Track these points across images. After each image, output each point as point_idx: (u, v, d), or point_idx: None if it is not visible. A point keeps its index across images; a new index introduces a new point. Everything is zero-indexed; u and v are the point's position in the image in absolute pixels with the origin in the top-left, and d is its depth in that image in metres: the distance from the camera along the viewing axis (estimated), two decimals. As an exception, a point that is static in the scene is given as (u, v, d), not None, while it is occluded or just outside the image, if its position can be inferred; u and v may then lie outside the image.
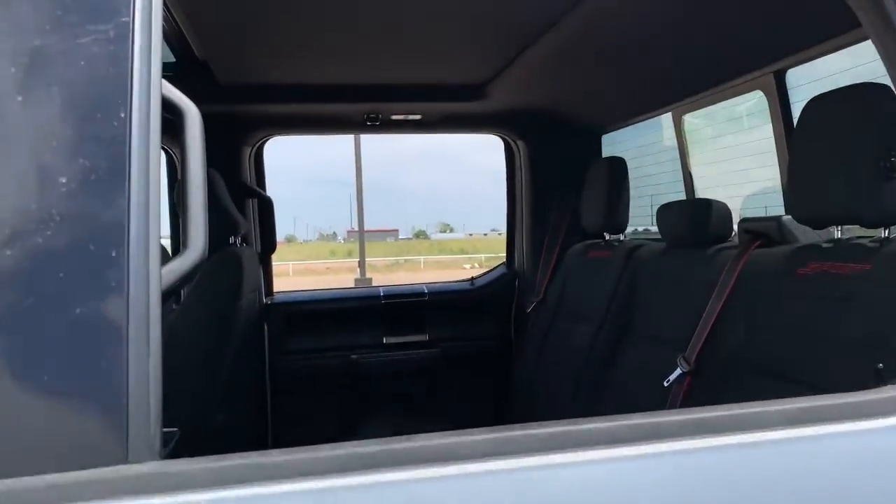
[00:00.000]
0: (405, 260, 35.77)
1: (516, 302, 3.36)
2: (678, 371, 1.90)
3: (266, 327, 3.16)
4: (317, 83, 2.68)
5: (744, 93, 2.16)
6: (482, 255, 35.12)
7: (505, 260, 3.46)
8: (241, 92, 2.69)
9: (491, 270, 3.47)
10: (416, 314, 3.30)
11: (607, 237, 2.84)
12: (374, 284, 16.00)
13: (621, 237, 2.77)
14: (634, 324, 2.36)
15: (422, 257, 35.48)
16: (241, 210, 2.97)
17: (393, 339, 3.28)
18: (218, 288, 2.33)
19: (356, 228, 26.04)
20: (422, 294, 3.31)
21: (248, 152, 3.05)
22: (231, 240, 2.52)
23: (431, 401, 3.24)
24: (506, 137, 3.30)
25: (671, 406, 1.88)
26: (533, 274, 3.28)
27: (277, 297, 3.24)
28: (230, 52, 2.30)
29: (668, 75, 2.37)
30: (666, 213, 2.26)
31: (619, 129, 3.13)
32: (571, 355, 2.68)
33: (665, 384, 1.91)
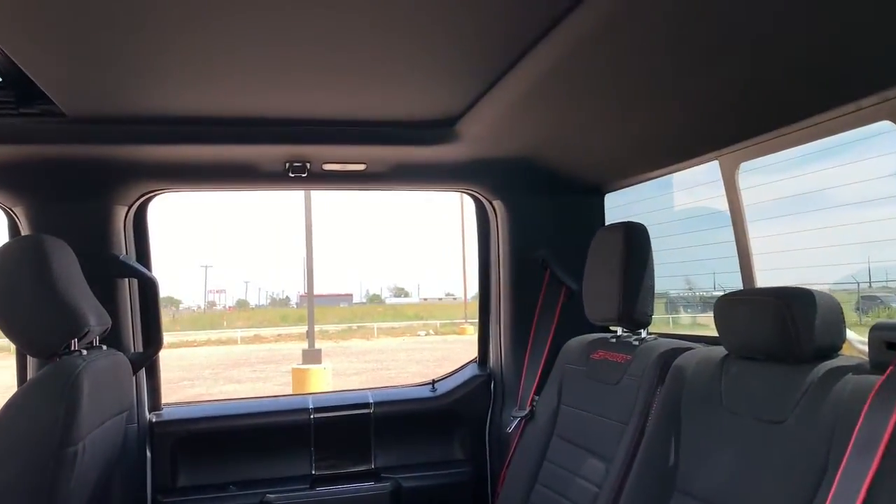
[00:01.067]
0: (358, 326, 34.64)
1: (492, 414, 2.53)
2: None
3: (149, 455, 2.26)
4: (213, 116, 1.87)
5: (857, 125, 1.43)
6: (437, 322, 34.19)
7: (476, 356, 2.63)
8: (100, 129, 1.86)
9: (457, 371, 2.64)
10: (358, 433, 2.44)
11: (620, 332, 2.06)
12: (323, 356, 14.95)
13: (643, 334, 1.99)
14: (678, 474, 1.55)
15: (375, 324, 34.39)
16: (110, 295, 2.12)
17: (326, 472, 2.41)
18: (30, 431, 1.47)
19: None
20: (365, 405, 2.46)
21: (122, 214, 2.20)
22: (71, 345, 1.67)
23: None
24: (478, 195, 2.51)
25: None
26: (515, 377, 2.47)
27: (166, 413, 2.36)
28: (76, 71, 1.49)
29: (718, 106, 1.63)
30: (734, 307, 1.49)
31: (630, 185, 2.38)
32: (577, 498, 1.87)
33: None
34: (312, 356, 14.01)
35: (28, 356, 2.09)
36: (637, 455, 1.69)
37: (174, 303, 48.79)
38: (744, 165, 1.87)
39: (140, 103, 1.75)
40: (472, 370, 2.59)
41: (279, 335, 30.76)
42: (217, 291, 57.00)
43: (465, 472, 2.46)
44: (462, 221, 40.37)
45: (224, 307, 53.25)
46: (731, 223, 1.92)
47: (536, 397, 2.29)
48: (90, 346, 1.81)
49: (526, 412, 2.28)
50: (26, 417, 1.49)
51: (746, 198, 1.91)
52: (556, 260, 2.40)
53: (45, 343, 1.63)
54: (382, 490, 2.37)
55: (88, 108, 1.76)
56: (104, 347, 1.89)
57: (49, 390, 1.51)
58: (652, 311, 1.96)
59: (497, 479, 2.39)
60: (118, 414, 1.88)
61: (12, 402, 1.51)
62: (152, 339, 2.23)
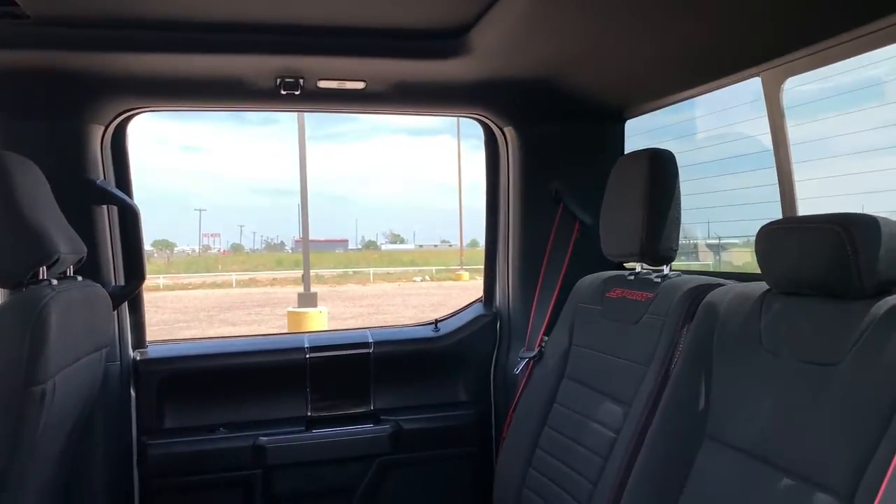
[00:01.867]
0: (354, 272, 34.56)
1: (497, 355, 2.39)
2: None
3: (133, 395, 2.13)
4: (196, 21, 1.67)
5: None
6: (433, 268, 34.13)
7: (482, 295, 2.48)
8: (68, 34, 1.66)
9: (461, 310, 2.50)
10: (357, 374, 2.30)
11: (639, 269, 1.91)
12: (318, 300, 14.84)
13: (666, 271, 1.83)
14: (709, 419, 1.42)
15: (371, 269, 34.30)
16: (87, 224, 1.95)
17: (322, 413, 2.28)
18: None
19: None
20: (365, 344, 2.31)
21: (98, 134, 2.01)
22: (38, 275, 1.50)
23: (378, 502, 2.25)
24: (488, 120, 2.32)
25: None
26: (523, 316, 2.32)
27: (151, 351, 2.21)
28: None
29: (762, 13, 1.43)
30: (781, 236, 1.32)
31: (654, 109, 2.18)
32: (593, 445, 1.74)
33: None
34: (308, 300, 13.92)
35: None
36: (661, 399, 1.55)
37: (169, 245, 48.60)
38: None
39: (113, 4, 1.55)
40: (477, 310, 2.44)
41: (274, 279, 30.72)
42: (212, 235, 56.81)
43: (469, 415, 2.33)
44: (458, 165, 39.99)
45: (219, 251, 53.13)
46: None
47: (545, 338, 2.14)
48: (63, 277, 1.65)
49: (534, 353, 2.14)
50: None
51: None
52: (570, 193, 2.23)
53: (8, 271, 1.47)
54: (382, 432, 2.24)
55: (55, 8, 1.56)
56: (79, 279, 1.72)
57: (11, 323, 1.35)
58: (677, 245, 1.80)
59: (502, 421, 2.27)
60: (95, 351, 1.73)
61: None
62: (134, 271, 2.07)
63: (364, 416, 2.29)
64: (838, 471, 1.09)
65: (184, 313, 15.92)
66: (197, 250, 51.41)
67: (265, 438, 2.17)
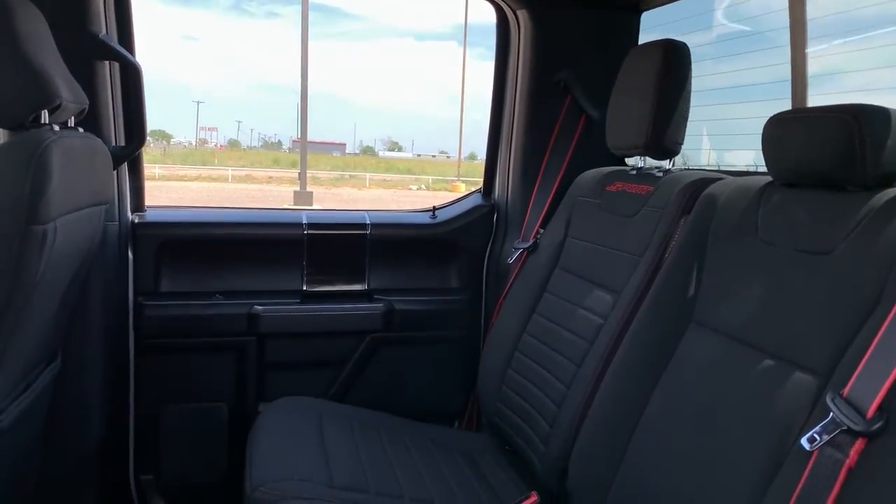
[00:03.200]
0: (350, 175, 34.39)
1: (493, 246, 2.41)
2: (832, 422, 1.00)
3: (131, 256, 2.15)
4: None
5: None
6: (429, 177, 33.96)
7: (481, 186, 2.48)
8: None
9: (460, 199, 2.50)
10: (353, 253, 2.33)
11: (641, 164, 1.91)
12: (314, 199, 14.82)
13: (667, 165, 1.84)
14: (697, 305, 1.45)
15: (367, 174, 34.11)
16: (88, 79, 1.92)
17: (317, 287, 2.32)
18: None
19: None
20: (362, 225, 2.33)
21: None
22: (39, 119, 1.49)
23: (366, 378, 2.31)
24: (501, 2, 2.27)
25: (818, 483, 0.99)
26: (521, 209, 2.33)
27: (150, 215, 2.22)
28: None
29: None
30: (789, 125, 1.32)
31: (671, 1, 2.13)
32: (579, 330, 1.79)
33: (807, 444, 1.01)
34: (303, 198, 13.92)
35: None
36: (651, 287, 1.58)
37: (165, 137, 48.04)
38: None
39: None
40: (476, 200, 2.45)
41: (270, 177, 30.57)
42: (209, 129, 56.04)
43: (460, 301, 2.38)
44: (463, 74, 39.21)
45: (215, 145, 52.57)
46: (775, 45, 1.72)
47: (541, 230, 2.17)
48: (64, 126, 1.63)
49: (529, 244, 2.17)
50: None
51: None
52: (579, 84, 2.20)
53: (9, 111, 1.45)
54: (375, 311, 2.29)
55: None
56: (80, 130, 1.71)
57: (14, 160, 1.35)
58: (682, 140, 1.79)
59: (492, 308, 2.32)
60: (95, 205, 1.73)
61: None
62: (135, 132, 2.05)
63: (358, 294, 2.33)
64: (819, 353, 1.13)
65: (180, 203, 15.90)
66: (194, 143, 50.86)
67: (260, 307, 2.21)
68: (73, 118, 1.67)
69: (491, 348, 2.13)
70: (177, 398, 2.19)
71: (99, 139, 1.77)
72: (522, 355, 1.98)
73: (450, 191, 27.75)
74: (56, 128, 1.53)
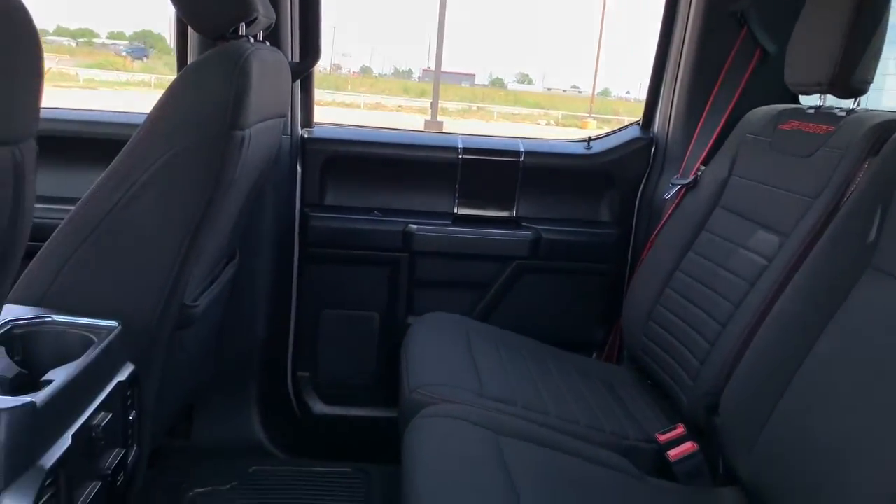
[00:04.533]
0: (478, 107, 34.22)
1: (648, 180, 2.38)
2: None
3: (300, 170, 2.28)
4: None
5: None
6: (559, 112, 33.26)
7: (641, 118, 2.43)
8: None
9: (618, 130, 2.47)
10: (505, 180, 2.37)
11: (822, 102, 1.81)
12: (444, 129, 14.90)
13: (853, 105, 1.74)
14: (877, 252, 1.39)
15: (495, 107, 33.81)
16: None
17: (467, 211, 2.38)
18: (203, 106, 1.44)
19: (432, 68, 24.64)
20: (515, 153, 2.35)
21: None
22: (238, 31, 1.59)
23: (510, 303, 2.38)
24: None
25: None
26: (682, 144, 2.28)
27: (317, 131, 2.34)
28: None
29: None
30: None
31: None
32: (739, 271, 1.76)
33: None
34: (434, 127, 14.03)
35: (188, 45, 2.06)
36: (826, 230, 1.52)
37: (302, 61, 49.15)
38: None
39: None
40: (634, 132, 2.41)
41: (400, 106, 30.91)
42: (342, 55, 56.98)
43: (610, 234, 2.38)
44: (603, 3, 37.65)
45: (349, 72, 53.53)
46: None
47: (703, 167, 2.11)
48: (256, 40, 1.74)
49: (688, 180, 2.12)
50: (198, 93, 1.46)
51: None
52: (758, 15, 2.10)
53: (213, 21, 1.56)
54: (522, 238, 2.33)
55: None
56: (267, 44, 1.81)
57: (219, 69, 1.45)
58: (872, 79, 1.69)
59: (642, 245, 2.30)
60: (277, 117, 1.85)
61: (182, 78, 1.47)
62: (311, 49, 2.15)
63: (507, 220, 2.38)
64: None
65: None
66: (328, 68, 51.99)
67: (414, 226, 2.30)
68: (261, 32, 1.77)
69: (640, 283, 2.13)
70: (334, 304, 2.34)
71: (282, 53, 1.88)
72: (673, 292, 1.97)
73: (580, 127, 27.11)
74: (251, 40, 1.63)
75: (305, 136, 2.29)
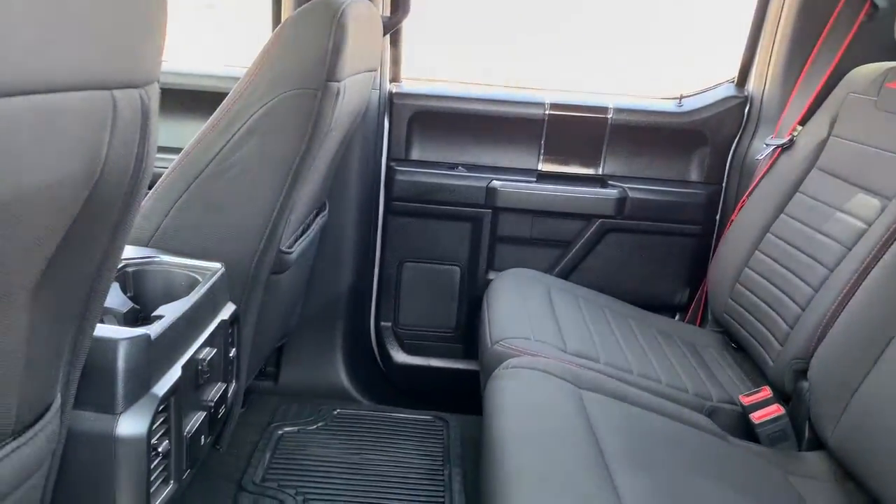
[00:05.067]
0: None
1: (740, 140, 2.31)
2: None
3: (387, 124, 2.32)
4: None
5: None
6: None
7: (735, 76, 2.35)
8: None
9: (709, 89, 2.40)
10: (591, 138, 2.34)
11: (935, 60, 1.72)
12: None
13: (970, 63, 1.64)
14: None
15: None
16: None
17: (552, 167, 2.37)
18: (302, 59, 1.49)
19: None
20: (604, 109, 2.32)
21: None
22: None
23: (592, 261, 2.37)
24: None
25: None
26: (778, 103, 2.20)
27: (405, 86, 2.36)
28: None
29: None
30: None
31: None
32: (835, 234, 1.71)
33: None
34: None
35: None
36: None
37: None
38: None
39: None
40: (727, 90, 2.33)
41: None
42: None
43: (698, 195, 2.33)
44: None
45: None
46: None
47: (800, 127, 2.04)
48: None
49: (784, 141, 2.05)
50: (297, 46, 1.50)
51: None
52: None
53: None
54: (608, 196, 2.31)
55: None
56: None
57: (318, 22, 1.49)
58: None
59: (732, 206, 2.25)
60: (369, 70, 1.88)
61: (282, 32, 1.52)
62: (400, 3, 2.16)
63: (592, 178, 2.36)
64: None
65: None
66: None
67: (498, 182, 2.31)
68: None
69: (728, 245, 2.09)
70: (416, 257, 2.39)
71: (374, 6, 1.89)
72: (763, 255, 1.93)
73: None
74: (346, -4, 1.66)
75: (394, 90, 2.31)
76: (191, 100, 2.18)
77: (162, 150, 2.01)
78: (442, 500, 1.81)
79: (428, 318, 2.43)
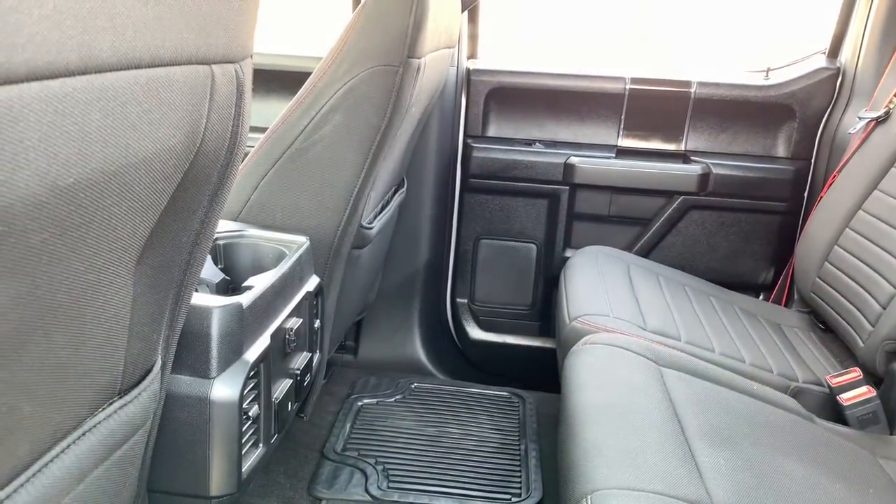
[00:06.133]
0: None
1: (831, 113, 2.22)
2: None
3: (464, 100, 2.32)
4: None
5: None
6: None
7: (827, 47, 2.26)
8: None
9: (799, 61, 2.31)
10: (673, 112, 2.29)
11: None
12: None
13: None
14: None
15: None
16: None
17: (632, 143, 2.33)
18: (384, 36, 1.50)
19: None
20: (686, 83, 2.26)
21: None
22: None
23: (673, 239, 2.32)
24: None
25: None
26: (874, 74, 2.10)
27: (481, 62, 2.36)
28: None
29: None
30: None
31: None
32: None
33: None
34: None
35: None
36: None
37: None
38: None
39: None
40: (819, 62, 2.24)
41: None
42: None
43: (786, 171, 2.25)
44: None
45: None
46: None
47: (896, 99, 1.94)
48: None
49: (879, 114, 1.96)
50: (378, 24, 1.52)
51: None
52: None
53: None
54: (690, 172, 2.26)
55: None
56: None
57: (398, 1, 1.50)
58: None
59: (821, 182, 2.17)
60: (447, 47, 1.88)
61: (363, 10, 1.54)
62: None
63: (674, 154, 2.31)
64: None
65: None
66: None
67: (576, 158, 2.29)
68: None
69: (817, 222, 2.01)
70: (493, 234, 2.40)
71: None
72: (855, 232, 1.86)
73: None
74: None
75: (471, 67, 2.31)
76: (274, 80, 2.23)
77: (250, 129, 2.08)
78: (518, 474, 1.83)
79: (504, 295, 2.44)
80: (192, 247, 0.89)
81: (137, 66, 0.61)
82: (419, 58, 1.53)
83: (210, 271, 1.33)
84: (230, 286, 1.36)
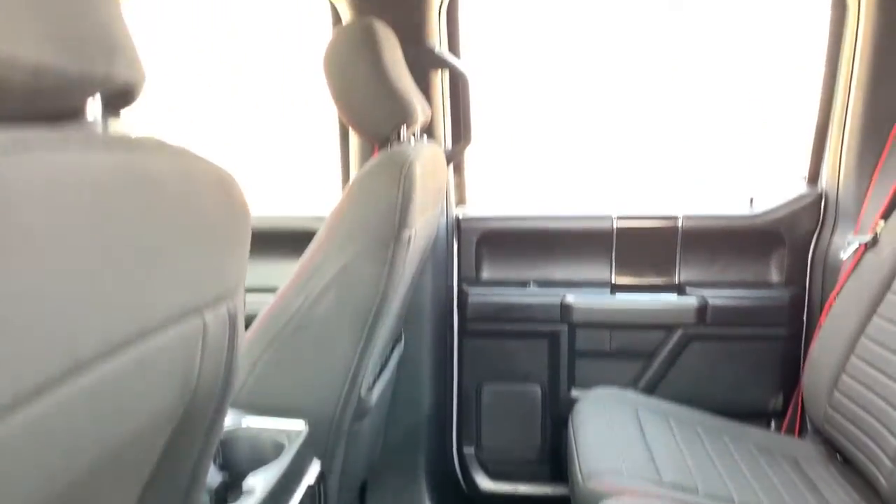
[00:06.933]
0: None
1: (819, 238, 2.24)
2: None
3: (456, 247, 2.34)
4: None
5: None
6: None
7: (806, 173, 2.31)
8: None
9: (781, 188, 2.35)
10: (663, 246, 2.31)
11: None
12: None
13: None
14: None
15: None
16: (426, 89, 2.11)
17: (626, 280, 2.34)
18: (374, 211, 1.53)
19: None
20: (673, 217, 2.30)
21: (436, 7, 2.13)
22: (400, 134, 1.67)
23: (677, 373, 2.29)
24: None
25: None
26: (855, 199, 2.13)
27: (470, 209, 2.40)
28: None
29: None
30: None
31: None
32: None
33: None
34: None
35: (350, 146, 2.19)
36: None
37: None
38: None
39: None
40: (800, 188, 2.28)
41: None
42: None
43: (782, 296, 2.25)
44: None
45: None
46: None
47: (883, 222, 1.97)
48: (413, 136, 1.82)
49: (867, 238, 1.98)
50: (367, 202, 1.54)
51: None
52: None
53: (378, 128, 1.65)
54: (688, 304, 2.25)
55: None
56: (425, 138, 1.89)
57: (386, 178, 1.53)
58: None
59: (818, 306, 2.16)
60: (436, 206, 1.92)
61: (353, 188, 1.57)
62: (463, 133, 2.22)
63: (668, 286, 2.31)
64: None
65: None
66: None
67: (572, 297, 2.29)
68: (418, 128, 1.85)
69: (821, 349, 1.99)
70: (495, 378, 2.36)
71: (437, 146, 1.95)
72: (860, 361, 1.83)
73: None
74: (412, 142, 1.71)
75: (460, 216, 2.35)
76: (272, 240, 2.25)
77: (249, 290, 2.08)
78: None
79: (511, 440, 2.38)
80: (192, 476, 0.86)
81: (126, 344, 0.60)
82: (410, 228, 1.55)
83: (209, 474, 1.29)
84: (228, 486, 1.31)
